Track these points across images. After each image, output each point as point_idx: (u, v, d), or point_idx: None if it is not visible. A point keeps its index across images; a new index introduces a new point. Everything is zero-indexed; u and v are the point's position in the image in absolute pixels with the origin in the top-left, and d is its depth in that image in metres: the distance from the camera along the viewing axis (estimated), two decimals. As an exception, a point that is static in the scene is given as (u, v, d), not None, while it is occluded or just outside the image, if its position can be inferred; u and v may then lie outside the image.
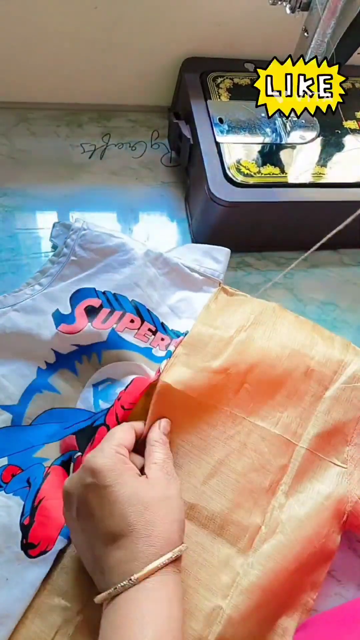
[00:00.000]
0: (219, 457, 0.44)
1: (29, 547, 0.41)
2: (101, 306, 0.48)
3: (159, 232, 0.60)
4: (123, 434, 0.40)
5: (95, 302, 0.48)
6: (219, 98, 0.59)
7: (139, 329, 0.48)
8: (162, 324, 0.49)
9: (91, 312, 0.48)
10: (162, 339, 0.48)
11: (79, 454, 0.44)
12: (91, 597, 0.37)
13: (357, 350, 0.50)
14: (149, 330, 0.48)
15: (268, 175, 0.55)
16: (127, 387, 0.46)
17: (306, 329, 0.50)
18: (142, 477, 0.38)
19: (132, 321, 0.48)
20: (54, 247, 0.54)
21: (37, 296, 0.49)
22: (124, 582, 0.34)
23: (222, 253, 0.55)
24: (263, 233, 0.58)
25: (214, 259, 0.54)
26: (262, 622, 0.40)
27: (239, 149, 0.56)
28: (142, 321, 0.48)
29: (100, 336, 0.47)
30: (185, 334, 0.48)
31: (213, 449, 0.44)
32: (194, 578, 0.40)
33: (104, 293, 0.49)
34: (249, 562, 0.41)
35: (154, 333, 0.48)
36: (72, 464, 0.44)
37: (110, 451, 0.38)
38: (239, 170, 0.54)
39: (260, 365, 0.46)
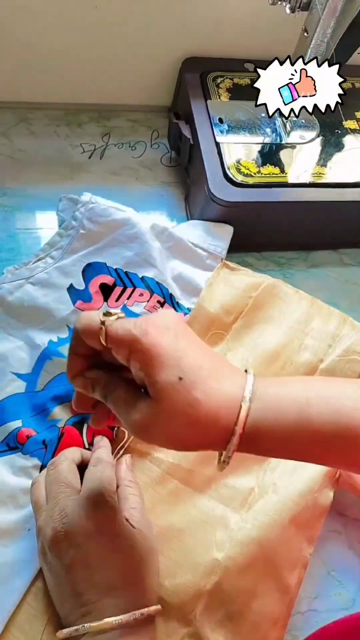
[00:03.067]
0: None
1: None
2: (114, 284, 0.50)
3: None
4: (109, 471, 0.40)
5: (108, 279, 0.50)
6: (219, 98, 0.59)
7: (148, 301, 0.50)
8: (171, 295, 0.51)
9: (105, 290, 0.50)
10: None
11: None
12: None
13: (354, 325, 0.52)
14: (158, 302, 0.50)
15: (268, 175, 0.55)
16: None
17: (304, 305, 0.52)
18: (129, 525, 0.38)
19: (141, 295, 0.50)
20: (61, 221, 0.54)
21: (50, 269, 0.50)
22: (114, 620, 0.34)
23: (225, 230, 0.56)
24: (263, 233, 0.58)
25: (217, 235, 0.56)
26: (262, 576, 0.41)
27: (239, 149, 0.56)
28: (152, 294, 0.50)
29: None
30: (190, 311, 0.51)
31: None
32: (192, 536, 0.42)
33: (116, 270, 0.50)
34: (242, 518, 0.43)
35: (162, 305, 0.50)
36: (85, 425, 0.45)
37: (113, 500, 0.37)
38: (239, 170, 0.54)
39: (255, 344, 0.49)
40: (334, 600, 0.45)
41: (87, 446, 0.45)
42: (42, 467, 0.44)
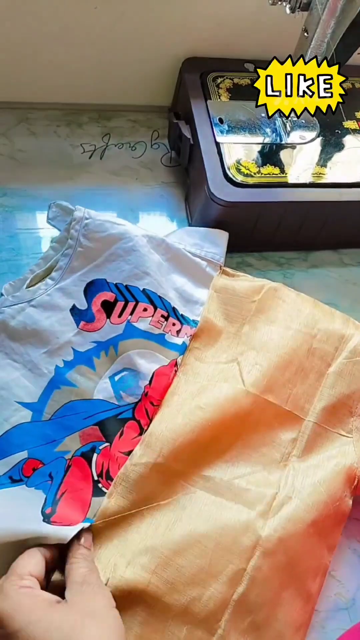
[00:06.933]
0: (234, 433, 0.45)
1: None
2: (116, 300, 0.49)
3: (159, 232, 0.60)
4: (26, 561, 0.36)
5: (109, 296, 0.49)
6: (219, 98, 0.59)
7: (152, 316, 0.49)
8: (174, 308, 0.51)
9: (107, 307, 0.49)
10: (174, 324, 0.50)
11: (106, 444, 0.45)
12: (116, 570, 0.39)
13: (357, 325, 0.52)
14: (162, 316, 0.49)
15: (268, 175, 0.55)
16: (150, 381, 0.47)
17: (307, 307, 0.52)
18: (61, 602, 0.34)
19: (145, 310, 0.49)
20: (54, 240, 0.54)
21: (52, 291, 0.49)
22: None
23: (221, 236, 0.56)
24: (263, 233, 0.58)
25: (213, 242, 0.55)
26: (287, 585, 0.41)
27: (239, 149, 0.56)
28: (155, 308, 0.49)
29: (117, 330, 0.48)
30: (196, 324, 0.50)
31: (229, 425, 0.45)
32: (216, 542, 0.41)
33: (116, 286, 0.50)
34: (269, 524, 0.42)
35: (166, 319, 0.50)
36: (95, 455, 0.44)
37: (12, 588, 0.33)
38: (239, 170, 0.54)
39: (267, 347, 0.48)
40: (334, 600, 0.45)
41: (95, 478, 0.43)
42: (46, 499, 0.42)
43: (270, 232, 0.58)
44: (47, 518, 0.42)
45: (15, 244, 0.56)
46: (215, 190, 0.53)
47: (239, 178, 0.54)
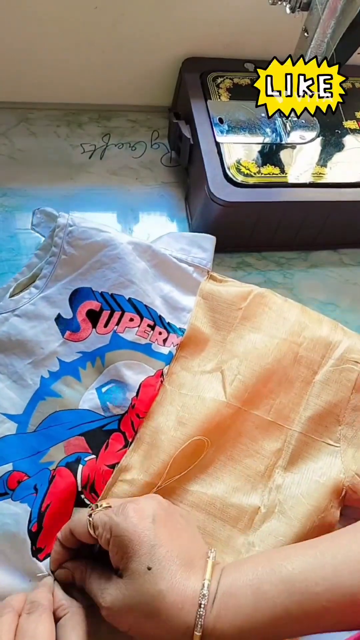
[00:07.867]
0: (216, 446, 0.45)
1: (38, 552, 0.41)
2: (101, 309, 0.48)
3: (159, 232, 0.60)
4: (45, 624, 0.35)
5: (95, 305, 0.48)
6: (219, 98, 0.59)
7: (139, 326, 0.48)
8: (160, 317, 0.50)
9: (93, 316, 0.48)
10: (160, 333, 0.49)
11: (92, 456, 0.44)
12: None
13: (345, 331, 0.51)
14: (148, 326, 0.49)
15: (268, 175, 0.55)
16: (137, 392, 0.46)
17: (294, 314, 0.50)
18: None
19: (131, 320, 0.48)
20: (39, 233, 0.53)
21: (36, 300, 0.48)
22: None
23: (208, 241, 0.55)
24: (263, 233, 0.58)
25: (200, 247, 0.54)
26: None
27: (239, 149, 0.56)
28: (142, 318, 0.49)
29: (103, 340, 0.48)
30: (183, 332, 0.50)
31: (211, 438, 0.45)
32: None
33: (101, 294, 0.49)
34: (249, 540, 0.42)
35: (153, 328, 0.49)
36: (80, 466, 0.44)
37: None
38: (239, 170, 0.54)
39: (250, 357, 0.48)
40: (334, 600, 0.45)
41: (80, 489, 0.43)
42: (31, 513, 0.42)
43: (270, 232, 0.58)
44: (33, 539, 0.42)
45: (15, 244, 0.56)
46: (215, 190, 0.53)
47: (239, 178, 0.54)
